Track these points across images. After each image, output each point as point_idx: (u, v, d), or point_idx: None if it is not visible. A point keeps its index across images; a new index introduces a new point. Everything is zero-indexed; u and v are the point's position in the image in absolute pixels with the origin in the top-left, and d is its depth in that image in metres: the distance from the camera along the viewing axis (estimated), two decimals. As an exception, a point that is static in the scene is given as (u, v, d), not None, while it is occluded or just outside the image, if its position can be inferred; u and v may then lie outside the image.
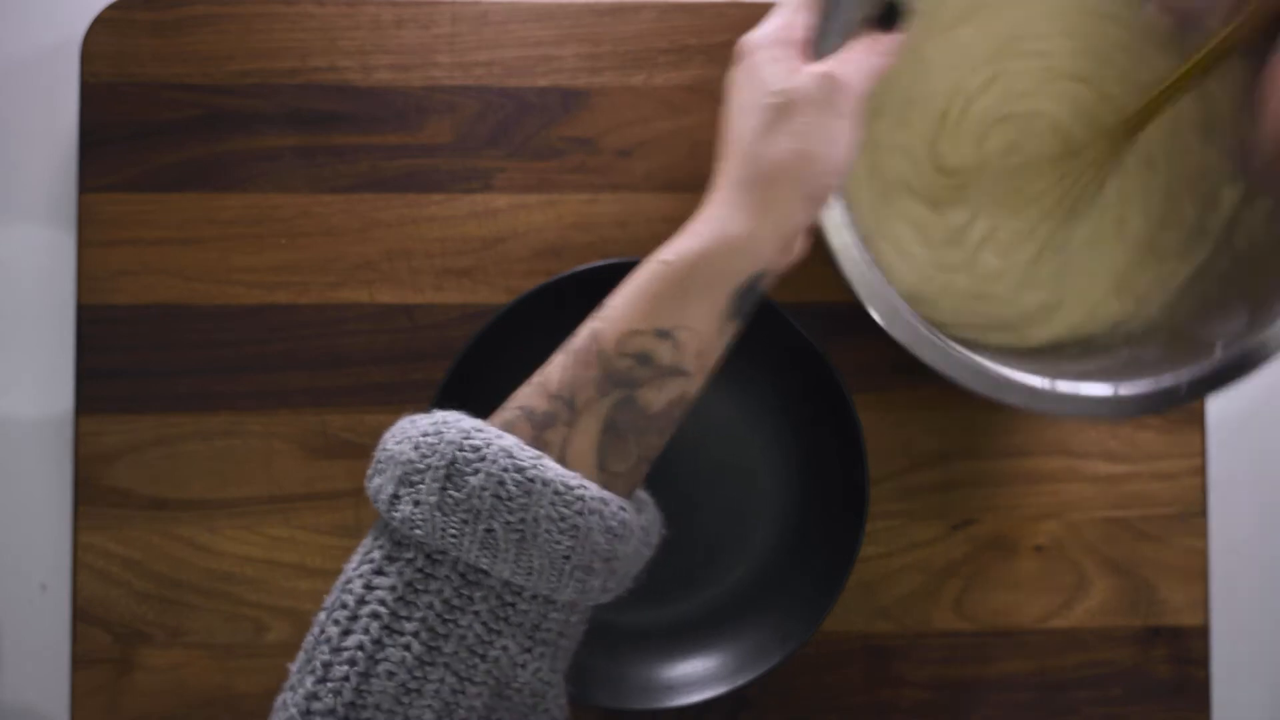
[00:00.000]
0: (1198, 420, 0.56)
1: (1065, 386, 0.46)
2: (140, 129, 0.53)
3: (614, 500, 0.37)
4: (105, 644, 0.52)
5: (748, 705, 0.54)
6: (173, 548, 0.53)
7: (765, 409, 0.54)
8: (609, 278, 0.51)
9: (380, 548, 0.37)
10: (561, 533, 0.35)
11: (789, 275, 0.55)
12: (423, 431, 0.37)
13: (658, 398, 0.38)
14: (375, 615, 0.35)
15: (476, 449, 0.35)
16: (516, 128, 0.54)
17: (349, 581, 0.37)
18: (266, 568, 0.53)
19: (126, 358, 0.53)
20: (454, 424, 0.37)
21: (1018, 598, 0.55)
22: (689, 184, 0.54)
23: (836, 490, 0.52)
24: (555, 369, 0.38)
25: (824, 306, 0.54)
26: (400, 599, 0.35)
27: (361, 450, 0.53)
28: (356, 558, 0.37)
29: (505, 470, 0.35)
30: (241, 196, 0.54)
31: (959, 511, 0.55)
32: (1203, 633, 0.55)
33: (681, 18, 0.55)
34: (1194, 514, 0.56)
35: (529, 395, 0.38)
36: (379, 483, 0.37)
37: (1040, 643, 0.55)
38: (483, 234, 0.54)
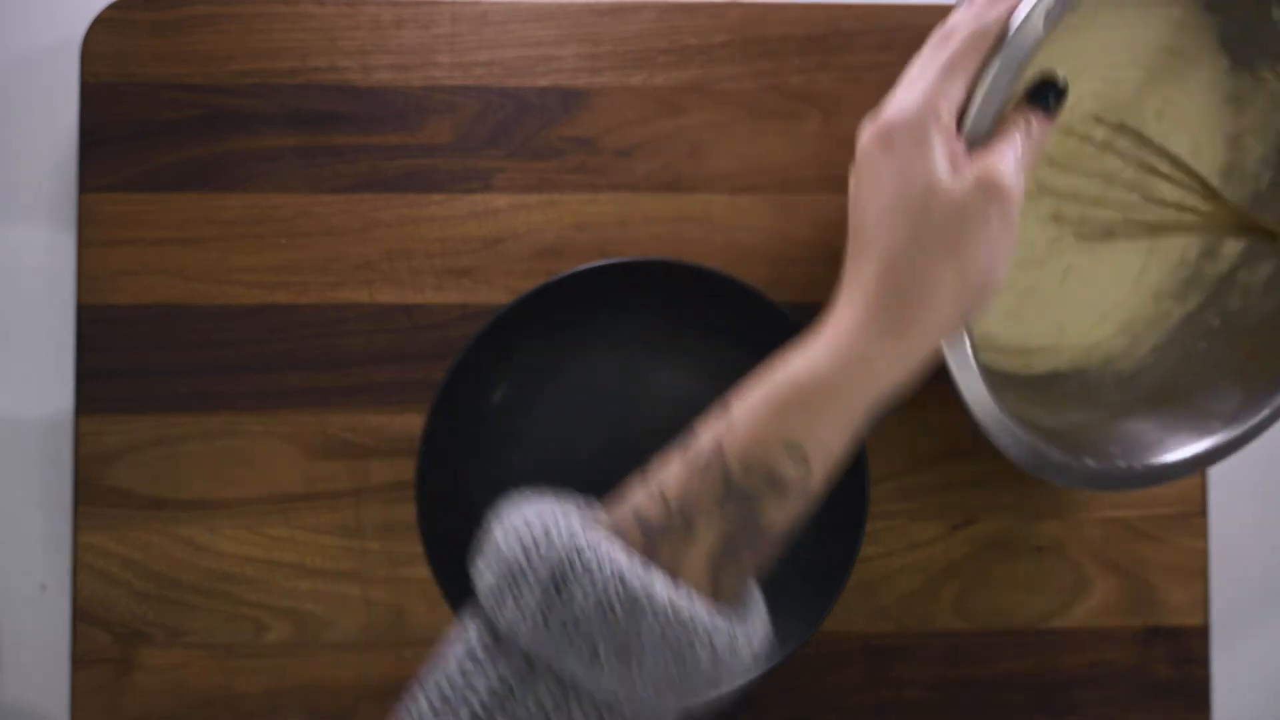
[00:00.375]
0: (1198, 420, 0.56)
1: (1095, 464, 0.46)
2: (140, 129, 0.53)
3: (724, 626, 0.35)
4: (105, 644, 0.52)
5: (748, 705, 0.54)
6: (173, 548, 0.53)
7: (765, 409, 0.54)
8: (609, 278, 0.51)
9: (481, 638, 0.35)
10: (667, 656, 0.34)
11: (790, 275, 0.55)
12: (531, 527, 0.35)
13: (780, 515, 0.36)
14: (474, 716, 0.34)
15: (585, 560, 0.34)
16: (516, 128, 0.54)
17: (449, 667, 0.35)
18: (266, 568, 0.53)
19: (126, 358, 0.53)
20: (564, 525, 0.35)
21: (1018, 598, 0.55)
22: (689, 184, 0.54)
23: (836, 490, 0.52)
24: (673, 474, 0.36)
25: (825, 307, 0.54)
26: (500, 702, 0.34)
27: (362, 450, 0.53)
28: (459, 645, 0.36)
29: (613, 590, 0.33)
30: (241, 196, 0.54)
31: (959, 511, 0.55)
32: (1203, 633, 0.55)
33: (681, 18, 0.55)
34: (1194, 514, 0.56)
35: (643, 498, 0.36)
36: (483, 569, 0.36)
37: (1040, 643, 0.55)
38: (483, 234, 0.54)
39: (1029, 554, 0.55)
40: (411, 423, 0.53)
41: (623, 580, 0.33)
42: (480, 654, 0.35)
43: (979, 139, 0.38)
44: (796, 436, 0.35)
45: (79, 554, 0.52)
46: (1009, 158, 0.37)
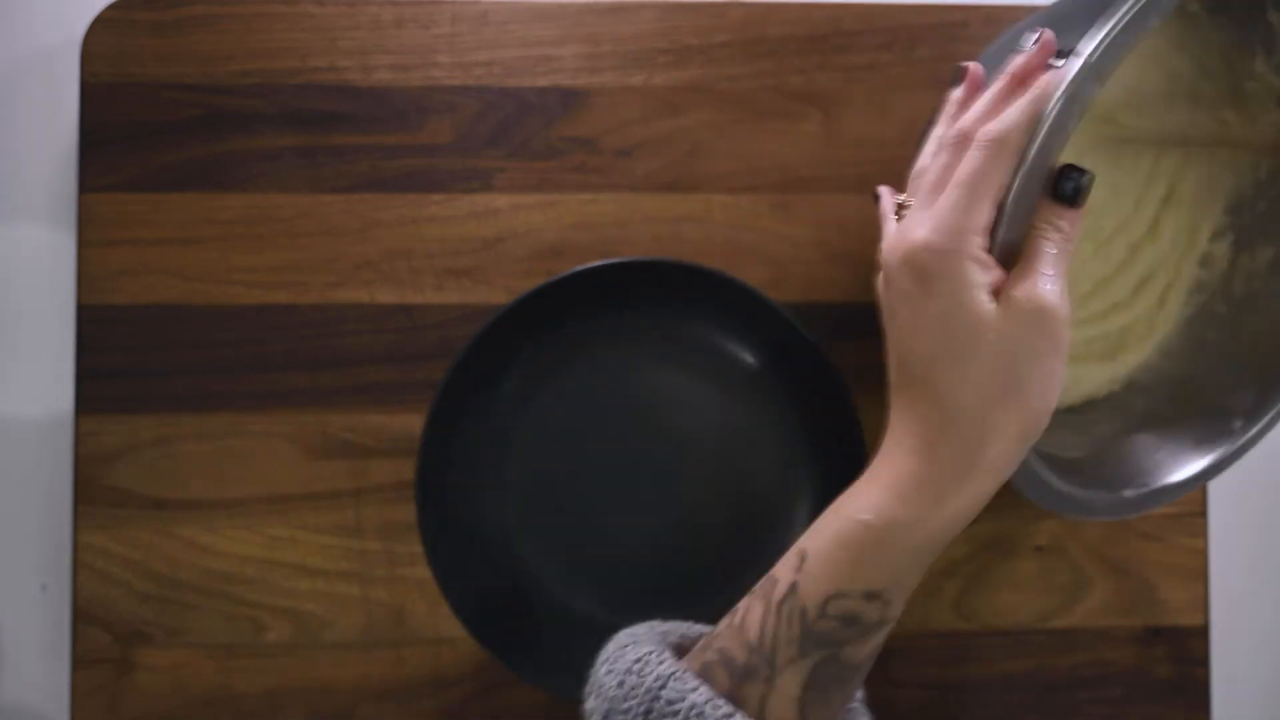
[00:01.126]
0: (1198, 420, 0.56)
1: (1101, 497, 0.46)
2: (140, 129, 0.53)
3: None
4: (105, 644, 0.52)
5: None
6: (173, 548, 0.53)
7: (766, 410, 0.54)
8: (609, 278, 0.51)
9: None
10: None
11: (791, 275, 0.55)
12: (627, 667, 0.37)
13: (862, 652, 0.37)
14: None
15: (670, 701, 0.35)
16: (516, 128, 0.54)
17: None
18: (266, 568, 0.53)
19: (126, 358, 0.53)
20: (655, 666, 0.36)
21: (1018, 598, 0.55)
22: (689, 184, 0.54)
23: (838, 490, 0.52)
24: (755, 617, 0.37)
25: (826, 307, 0.54)
26: None
27: (362, 450, 0.53)
28: None
29: None
30: (241, 196, 0.54)
31: (959, 511, 0.55)
32: (1203, 633, 0.55)
33: (681, 18, 0.55)
34: (1194, 514, 0.56)
35: (728, 639, 0.37)
36: (591, 706, 0.38)
37: (1040, 643, 0.55)
38: (483, 234, 0.54)
39: (1029, 554, 0.55)
40: (411, 423, 0.53)
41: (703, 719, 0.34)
42: None
43: (1010, 248, 0.36)
44: (873, 584, 0.36)
45: (79, 554, 0.52)
46: (1048, 273, 0.35)
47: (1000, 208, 0.36)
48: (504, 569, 0.52)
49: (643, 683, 0.36)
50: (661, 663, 0.36)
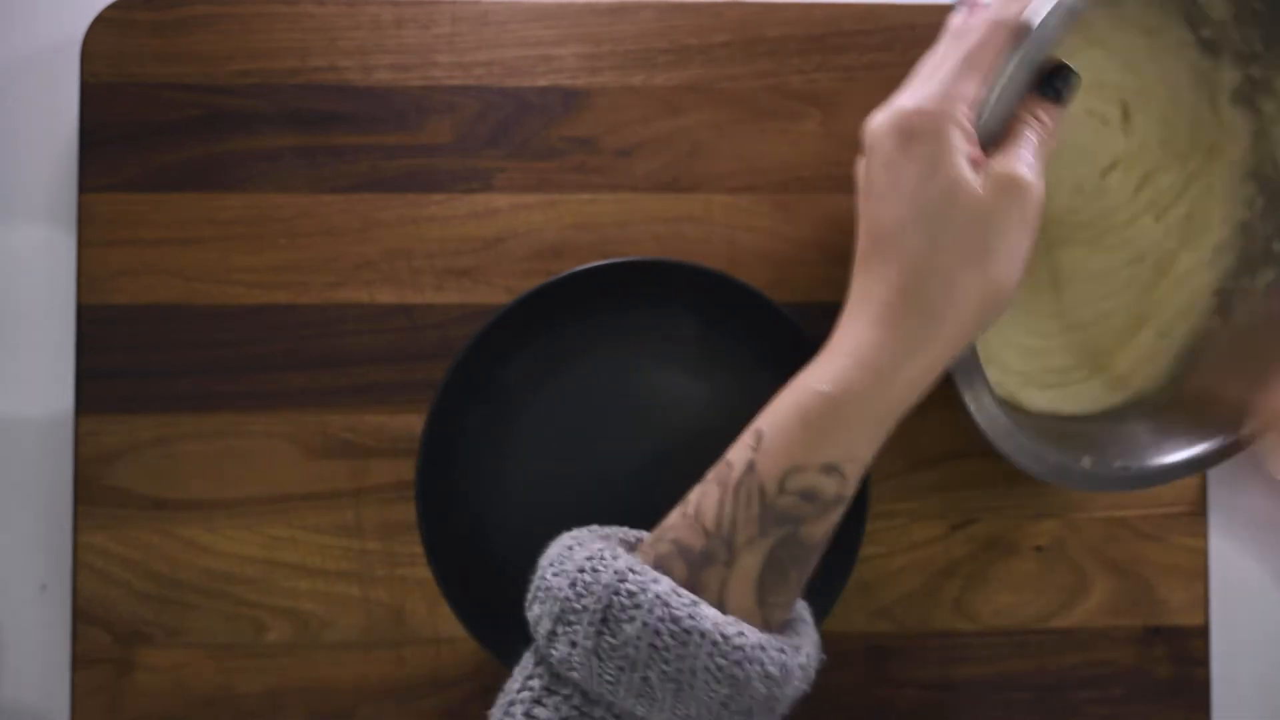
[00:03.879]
0: (1198, 420, 0.56)
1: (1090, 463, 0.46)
2: (140, 129, 0.53)
3: (773, 645, 0.35)
4: (105, 644, 0.52)
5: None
6: (173, 548, 0.53)
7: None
8: (609, 278, 0.51)
9: (539, 677, 0.36)
10: (719, 682, 0.34)
11: (791, 275, 0.55)
12: (579, 566, 0.35)
13: (819, 530, 0.36)
14: None
15: (631, 594, 0.34)
16: (516, 128, 0.54)
17: (511, 705, 0.36)
18: (266, 568, 0.53)
19: (126, 358, 0.53)
20: (610, 562, 0.35)
21: (1018, 598, 0.55)
22: (689, 184, 0.54)
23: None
24: (710, 502, 0.36)
25: (826, 306, 0.54)
26: None
27: (362, 450, 0.53)
28: (517, 680, 0.37)
29: (660, 620, 0.33)
30: (241, 196, 0.54)
31: (959, 511, 0.55)
32: (1202, 633, 0.55)
33: (681, 18, 0.55)
34: (1194, 514, 0.56)
35: (682, 529, 0.36)
36: (537, 613, 0.37)
37: (1040, 643, 0.55)
38: (483, 234, 0.54)
39: (1029, 554, 0.55)
40: (411, 423, 0.53)
41: (669, 609, 0.34)
42: (539, 690, 0.36)
43: (992, 136, 0.37)
44: (831, 456, 0.35)
45: (79, 554, 0.52)
46: (1026, 155, 0.36)
47: (989, 92, 0.36)
48: (504, 569, 0.52)
49: (598, 579, 0.35)
50: (616, 558, 0.35)
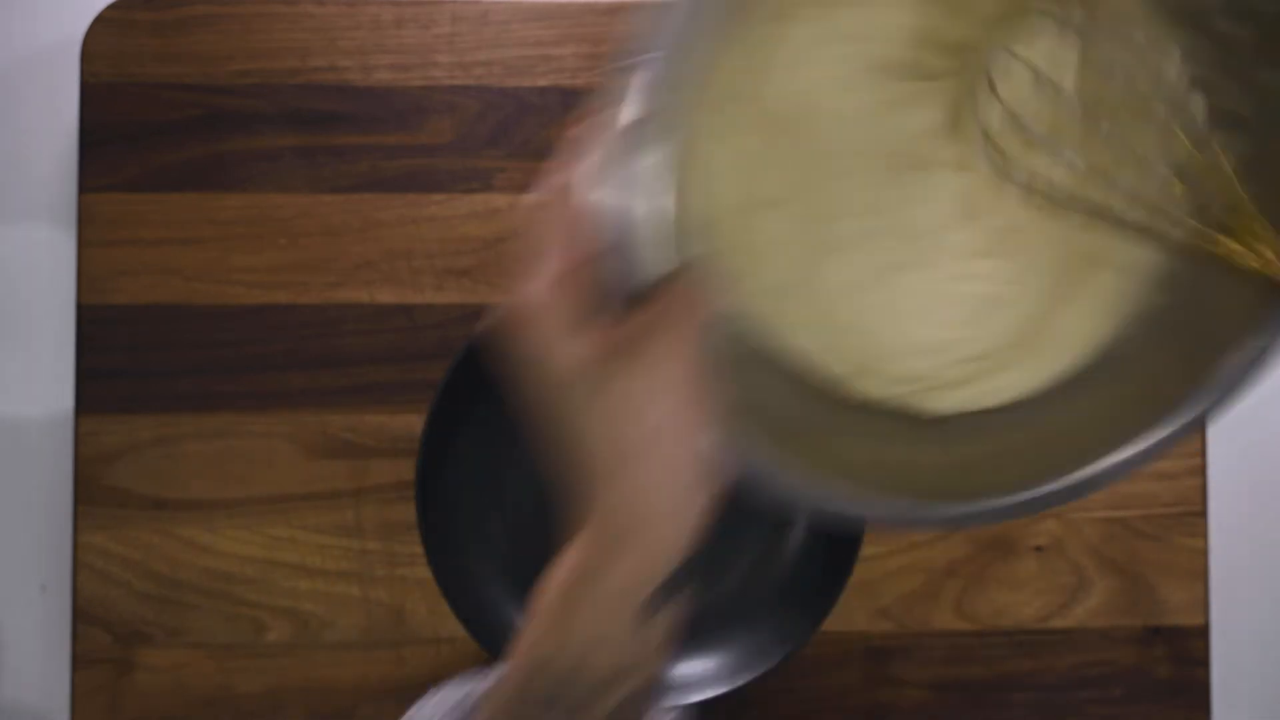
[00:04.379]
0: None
1: None
2: (140, 129, 0.53)
3: None
4: (105, 644, 0.52)
5: (748, 705, 0.54)
6: (173, 548, 0.53)
7: (765, 409, 0.54)
8: (609, 278, 0.51)
9: None
10: None
11: (789, 275, 0.55)
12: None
13: (607, 703, 0.33)
14: None
15: None
16: (516, 128, 0.54)
17: None
18: (266, 568, 0.53)
19: (126, 358, 0.53)
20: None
21: (1018, 598, 0.55)
22: (689, 184, 0.54)
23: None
24: (489, 696, 0.35)
25: (824, 306, 0.54)
26: None
27: (362, 450, 0.53)
28: None
29: None
30: (241, 196, 0.54)
31: (959, 511, 0.55)
32: (1203, 633, 0.55)
33: (681, 18, 0.55)
34: (1193, 514, 0.56)
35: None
36: None
37: (1040, 643, 0.55)
38: (483, 234, 0.54)
39: (1029, 554, 0.55)
40: (411, 423, 0.53)
41: None
42: None
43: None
44: (575, 648, 0.33)
45: (79, 554, 0.52)
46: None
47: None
48: (504, 568, 0.52)
49: None
50: None
